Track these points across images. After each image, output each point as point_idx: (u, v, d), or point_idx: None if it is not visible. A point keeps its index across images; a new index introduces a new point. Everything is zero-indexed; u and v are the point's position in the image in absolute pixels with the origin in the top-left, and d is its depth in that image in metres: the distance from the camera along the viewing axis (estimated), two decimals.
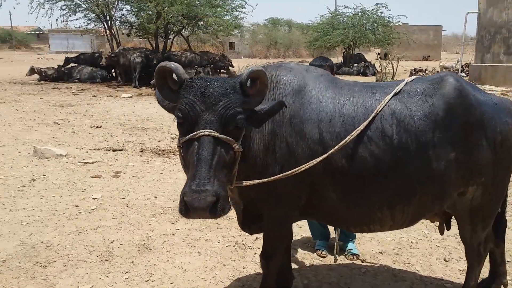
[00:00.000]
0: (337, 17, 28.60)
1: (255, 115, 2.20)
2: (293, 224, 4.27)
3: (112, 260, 3.57)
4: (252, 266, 3.54)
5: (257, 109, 2.20)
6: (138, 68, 16.80)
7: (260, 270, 3.14)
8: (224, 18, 19.58)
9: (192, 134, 1.99)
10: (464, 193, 2.53)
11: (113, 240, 3.90)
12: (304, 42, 33.98)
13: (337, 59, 34.53)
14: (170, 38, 21.38)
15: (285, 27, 51.55)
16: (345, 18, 28.10)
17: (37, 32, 59.80)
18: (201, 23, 19.72)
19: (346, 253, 3.79)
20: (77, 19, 26.06)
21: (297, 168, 2.31)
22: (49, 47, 49.18)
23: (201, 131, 1.97)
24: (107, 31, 20.31)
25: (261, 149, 2.38)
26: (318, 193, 2.48)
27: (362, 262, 3.73)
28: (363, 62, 26.70)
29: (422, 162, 2.39)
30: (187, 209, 1.89)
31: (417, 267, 3.66)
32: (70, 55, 21.07)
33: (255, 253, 3.71)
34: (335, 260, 3.66)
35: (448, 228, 2.94)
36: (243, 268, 3.52)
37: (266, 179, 2.32)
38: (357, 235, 4.14)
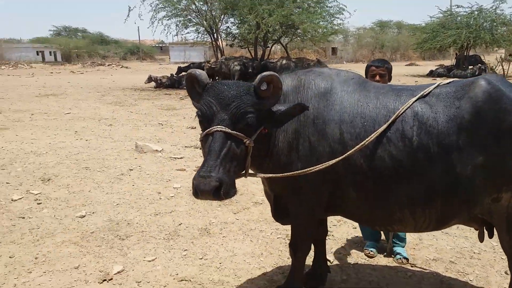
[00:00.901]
0: (450, 16, 26.54)
1: (273, 116, 2.42)
2: (350, 223, 4.42)
3: (176, 239, 4.10)
4: None
5: (275, 110, 2.42)
6: (237, 76, 17.97)
7: None
8: (320, 24, 19.77)
9: (207, 130, 2.31)
10: (498, 199, 2.40)
11: (181, 223, 4.46)
12: (411, 45, 32.11)
13: (451, 61, 31.99)
14: (269, 47, 22.31)
15: (394, 29, 49.31)
16: (459, 18, 25.93)
17: (160, 45, 66.71)
18: (299, 30, 20.19)
19: (394, 256, 3.78)
20: (188, 32, 28.94)
21: (312, 168, 2.42)
22: (170, 58, 54.35)
23: (214, 127, 2.28)
24: (213, 43, 22.09)
25: (285, 146, 2.57)
26: (339, 192, 2.58)
27: (412, 266, 3.66)
28: (479, 65, 24.34)
29: (445, 165, 2.34)
30: (196, 191, 2.21)
31: (471, 277, 3.47)
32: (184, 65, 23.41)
33: None
34: (388, 250, 3.82)
35: (490, 236, 2.77)
36: (287, 258, 3.74)
37: (279, 175, 2.49)
38: (415, 241, 4.07)
